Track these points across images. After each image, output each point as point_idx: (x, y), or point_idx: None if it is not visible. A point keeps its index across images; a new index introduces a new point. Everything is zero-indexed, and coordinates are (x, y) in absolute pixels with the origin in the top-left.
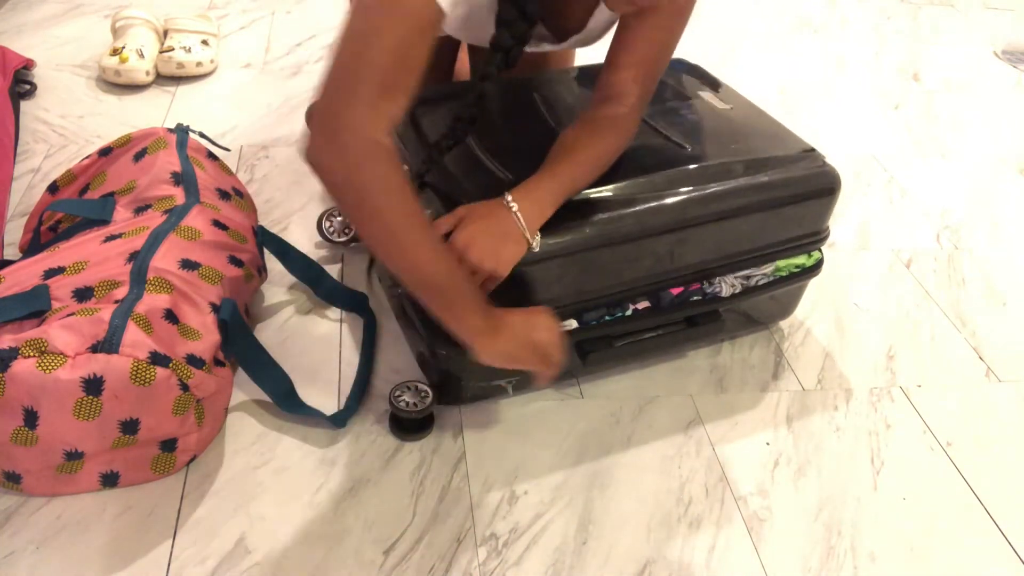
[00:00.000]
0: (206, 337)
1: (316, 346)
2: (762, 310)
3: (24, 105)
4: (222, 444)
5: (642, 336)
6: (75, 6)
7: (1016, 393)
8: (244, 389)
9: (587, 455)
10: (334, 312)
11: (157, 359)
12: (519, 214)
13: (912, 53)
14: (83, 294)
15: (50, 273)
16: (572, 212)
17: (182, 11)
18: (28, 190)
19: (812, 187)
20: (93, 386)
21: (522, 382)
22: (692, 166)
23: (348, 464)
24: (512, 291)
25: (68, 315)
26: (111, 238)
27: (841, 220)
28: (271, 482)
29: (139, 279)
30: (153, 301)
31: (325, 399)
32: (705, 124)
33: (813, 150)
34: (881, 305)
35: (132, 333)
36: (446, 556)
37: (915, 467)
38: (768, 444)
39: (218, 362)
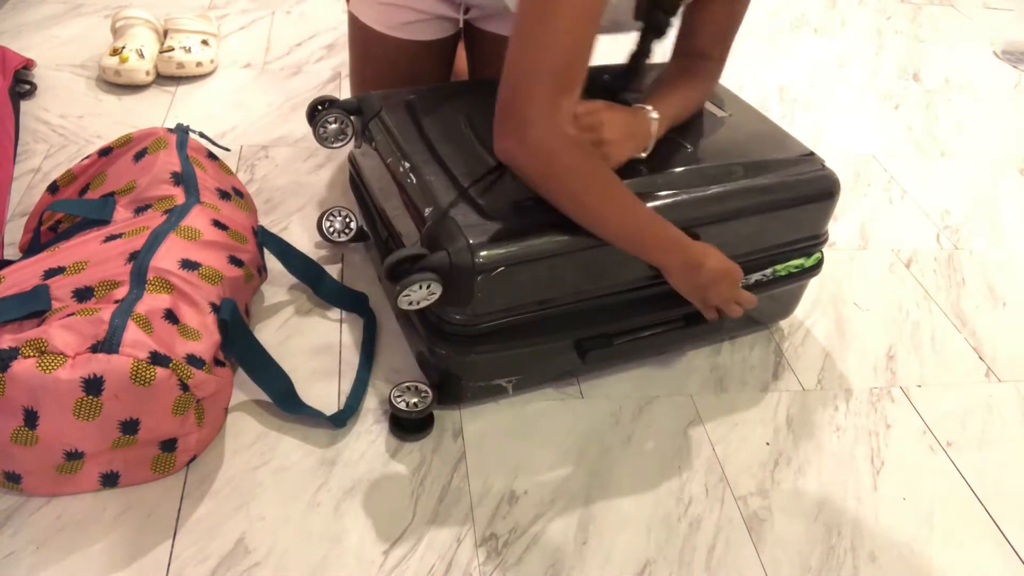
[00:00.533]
0: (206, 337)
1: (316, 346)
2: (762, 310)
3: (24, 105)
4: (222, 444)
5: (641, 334)
6: (75, 6)
7: (1016, 393)
8: (244, 389)
9: (587, 455)
10: (334, 312)
11: (157, 359)
12: (655, 122)
13: (912, 53)
14: (83, 294)
15: (50, 273)
16: None
17: (182, 11)
18: (28, 190)
19: (811, 191)
20: (93, 386)
21: (522, 382)
22: (692, 167)
23: (348, 464)
24: (507, 289)
25: (68, 315)
26: (111, 238)
27: (841, 220)
28: (271, 482)
29: (139, 279)
30: (153, 301)
31: (325, 399)
32: (704, 127)
33: (812, 154)
34: (881, 305)
35: (132, 333)
36: (446, 556)
37: (915, 467)
38: (768, 444)
39: (218, 362)
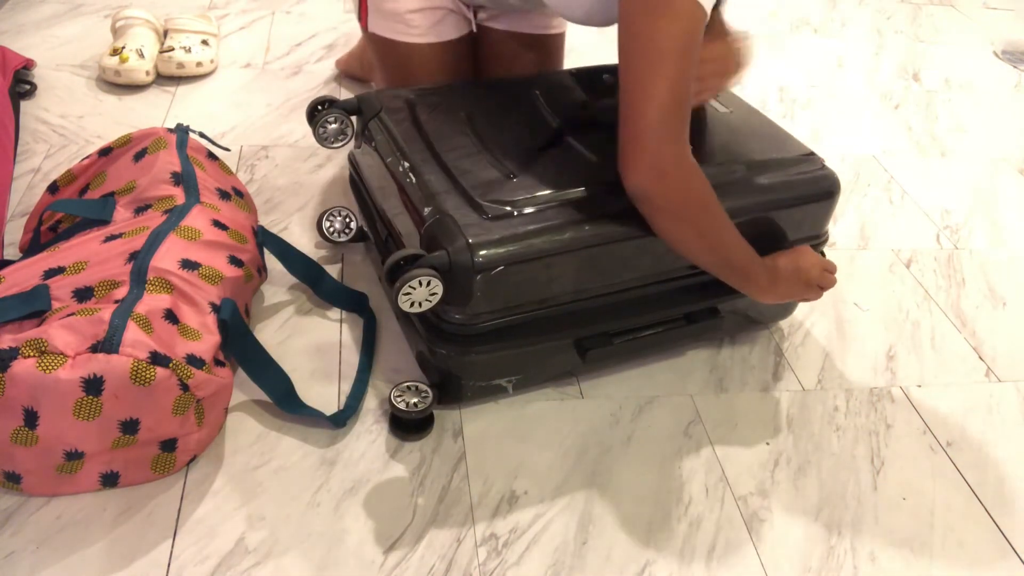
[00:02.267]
0: (206, 337)
1: (316, 346)
2: (762, 309)
3: (24, 105)
4: (222, 444)
5: (641, 333)
6: (75, 6)
7: (1016, 393)
8: (244, 389)
9: (587, 455)
10: (334, 312)
11: (157, 359)
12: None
13: (912, 53)
14: (83, 294)
15: (50, 273)
16: (570, 210)
17: (182, 11)
18: (28, 190)
19: (811, 191)
20: (93, 386)
21: (522, 381)
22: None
23: (348, 464)
24: (507, 289)
25: (68, 315)
26: (111, 238)
27: (841, 220)
28: (271, 482)
29: (139, 279)
30: (153, 301)
31: (325, 399)
32: (705, 126)
33: (812, 154)
34: (881, 305)
35: (132, 333)
36: (446, 556)
37: (915, 467)
38: (768, 444)
39: (218, 362)
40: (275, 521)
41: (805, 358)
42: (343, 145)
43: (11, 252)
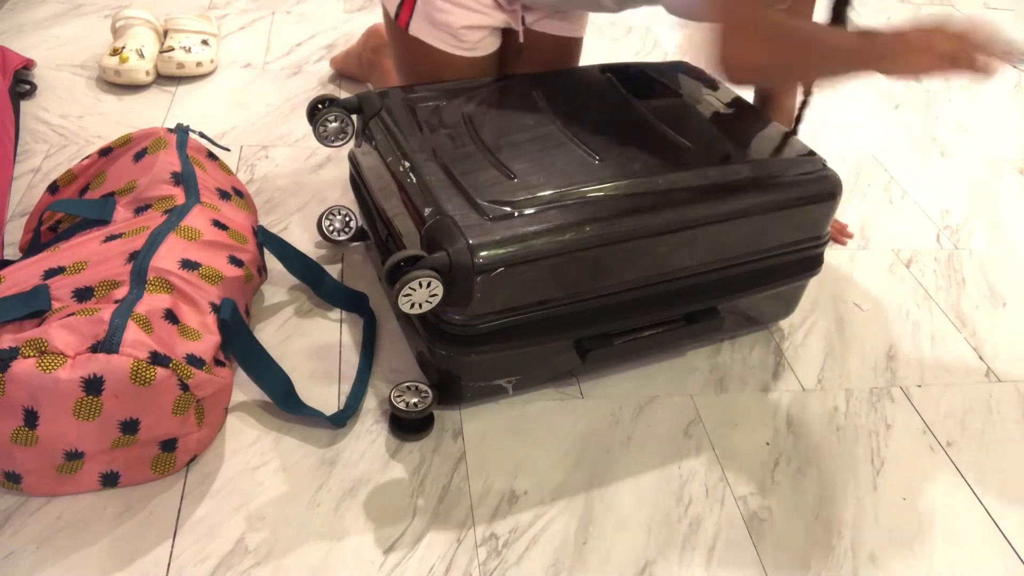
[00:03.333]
0: (206, 337)
1: (316, 346)
2: (762, 309)
3: (24, 105)
4: (222, 444)
5: (641, 334)
6: (75, 6)
7: (1016, 393)
8: (244, 389)
9: (587, 455)
10: (334, 312)
11: (157, 359)
12: None
13: None
14: (83, 294)
15: (50, 273)
16: (571, 210)
17: (182, 11)
18: (28, 190)
19: (813, 191)
20: (93, 386)
21: (522, 382)
22: (694, 168)
23: (348, 464)
24: (507, 290)
25: (68, 315)
26: (111, 238)
27: (841, 220)
28: (271, 482)
29: (139, 279)
30: (153, 301)
31: (325, 399)
32: (706, 126)
33: (813, 153)
34: (881, 305)
35: (132, 333)
36: (446, 556)
37: (915, 467)
38: (768, 444)
39: (218, 362)
40: (275, 521)
41: (805, 358)
42: (343, 144)
43: (11, 252)
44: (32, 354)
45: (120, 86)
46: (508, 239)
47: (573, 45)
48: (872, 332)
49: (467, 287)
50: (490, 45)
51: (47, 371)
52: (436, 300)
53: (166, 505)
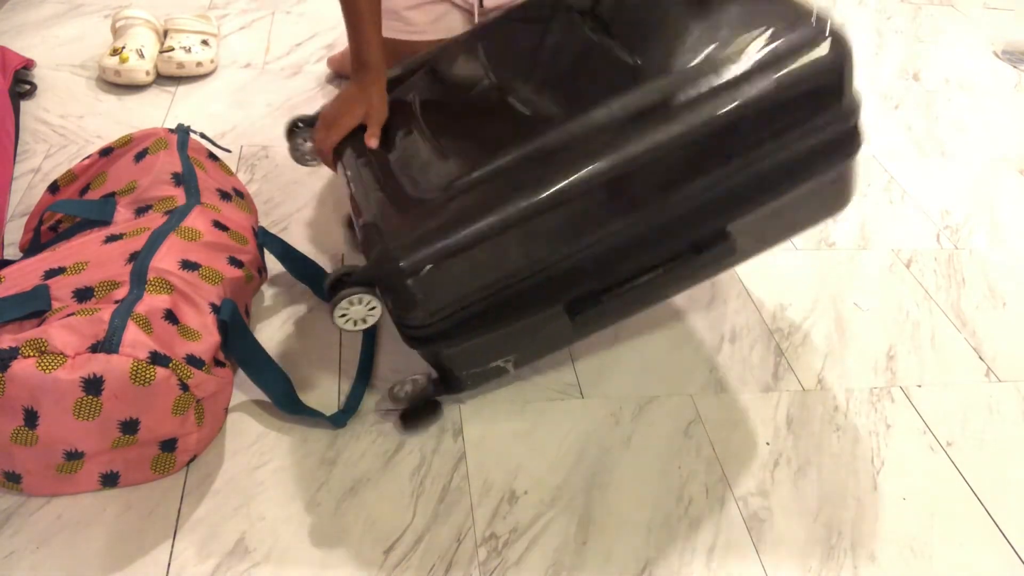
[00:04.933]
0: (206, 338)
1: (316, 346)
2: (800, 211)
3: (24, 105)
4: (222, 444)
5: (637, 282)
6: (75, 6)
7: (1016, 393)
8: (244, 389)
9: (587, 455)
10: None
11: (157, 359)
12: None
13: (912, 53)
14: (83, 294)
15: (50, 273)
16: (504, 180)
17: (182, 11)
18: (28, 190)
19: (811, 65)
20: (93, 386)
21: (521, 359)
22: (645, 84)
23: (348, 464)
24: (449, 282)
25: (68, 315)
26: (112, 239)
27: (841, 220)
28: (271, 482)
29: (139, 280)
30: (153, 301)
31: (325, 399)
32: (669, 25)
33: (812, 13)
34: (881, 305)
35: (132, 333)
36: (446, 556)
37: (915, 467)
38: (768, 444)
39: (218, 362)
40: (275, 521)
41: (805, 358)
42: (319, 164)
43: (11, 252)
44: (32, 354)
45: (120, 86)
46: (430, 233)
47: None
48: (872, 332)
49: (403, 291)
50: (444, 28)
51: (47, 371)
52: (377, 312)
53: (166, 505)
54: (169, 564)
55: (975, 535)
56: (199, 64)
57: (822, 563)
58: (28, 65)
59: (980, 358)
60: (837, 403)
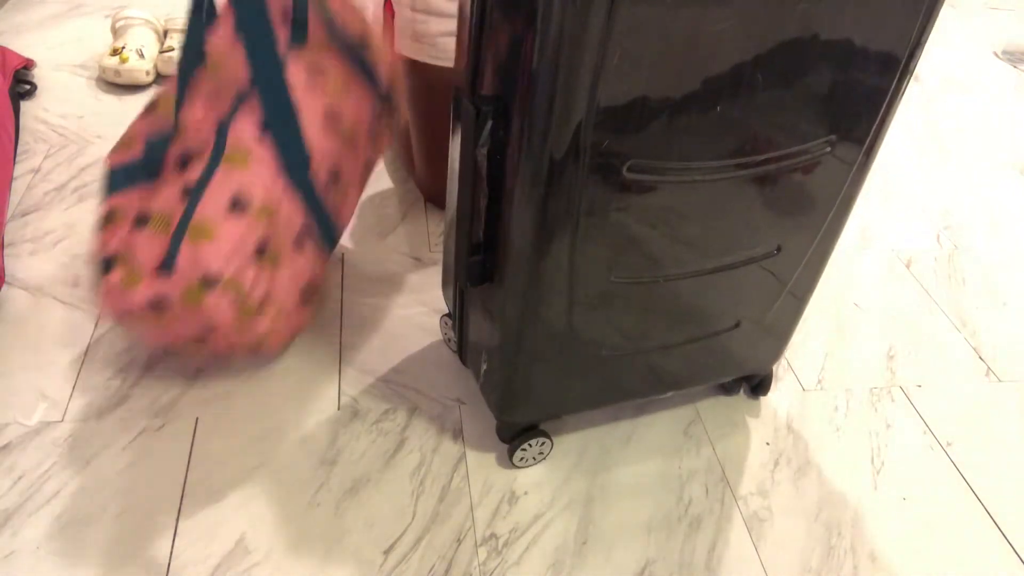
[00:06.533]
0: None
1: (316, 346)
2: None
3: (24, 105)
4: (222, 444)
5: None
6: (75, 6)
7: (1016, 393)
8: (241, 391)
9: (587, 455)
10: (334, 312)
11: (207, 283)
12: None
13: None
14: (184, 160)
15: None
16: None
17: (182, 11)
18: (28, 190)
19: None
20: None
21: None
22: None
23: (348, 464)
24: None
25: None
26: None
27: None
28: (271, 482)
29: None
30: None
31: (325, 399)
32: None
33: None
34: (881, 305)
35: (186, 254)
36: (446, 556)
37: (915, 467)
38: (768, 444)
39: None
40: (275, 521)
41: (805, 358)
42: None
43: (11, 252)
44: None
45: (120, 86)
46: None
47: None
48: (872, 332)
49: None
50: None
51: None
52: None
53: (166, 505)
54: (169, 564)
55: (975, 535)
56: None
57: (822, 563)
58: (28, 65)
59: (980, 358)
60: (837, 403)
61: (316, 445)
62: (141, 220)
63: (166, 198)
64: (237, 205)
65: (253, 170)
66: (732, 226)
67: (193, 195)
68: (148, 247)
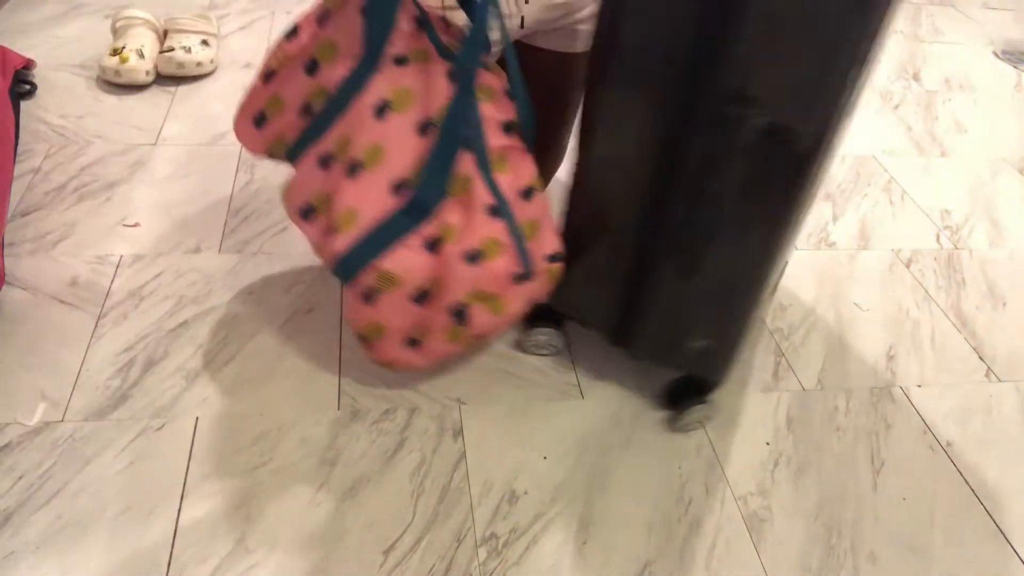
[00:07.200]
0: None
1: (316, 346)
2: None
3: (24, 105)
4: (222, 444)
5: None
6: (75, 6)
7: (1016, 393)
8: (237, 391)
9: (587, 455)
10: (334, 312)
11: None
12: None
13: (912, 53)
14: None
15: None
16: None
17: (182, 11)
18: (28, 190)
19: None
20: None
21: None
22: None
23: (348, 464)
24: None
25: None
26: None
27: (841, 220)
28: (271, 482)
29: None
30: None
31: (325, 399)
32: None
33: None
34: (881, 305)
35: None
36: (446, 556)
37: (915, 467)
38: (768, 444)
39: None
40: (275, 521)
41: (805, 358)
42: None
43: (11, 252)
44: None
45: (120, 86)
46: None
47: (571, 61)
48: (872, 332)
49: None
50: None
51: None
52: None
53: (166, 506)
54: (169, 564)
55: (975, 535)
56: (199, 64)
57: (822, 563)
58: (28, 65)
59: (980, 358)
60: (837, 403)
61: (316, 445)
62: (471, 256)
63: (470, 222)
64: (527, 194)
65: (520, 163)
66: None
67: (502, 207)
68: (495, 278)
